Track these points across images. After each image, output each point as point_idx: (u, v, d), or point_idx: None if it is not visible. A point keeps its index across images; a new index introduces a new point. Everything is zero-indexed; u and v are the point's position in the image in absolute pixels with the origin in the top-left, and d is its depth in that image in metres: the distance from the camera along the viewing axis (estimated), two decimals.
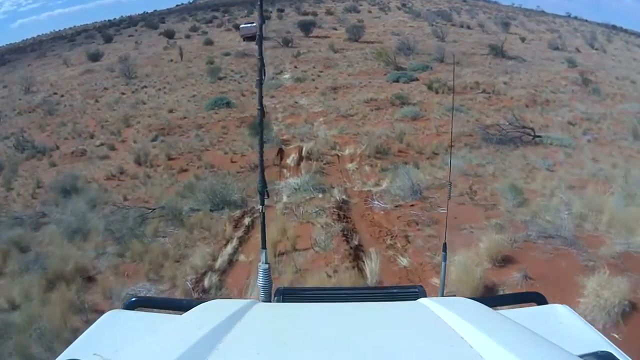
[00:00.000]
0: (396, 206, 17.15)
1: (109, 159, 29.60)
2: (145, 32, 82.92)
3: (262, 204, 4.59)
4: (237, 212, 17.99)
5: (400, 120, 32.07)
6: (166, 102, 43.38)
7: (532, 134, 28.16)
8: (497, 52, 55.80)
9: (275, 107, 38.13)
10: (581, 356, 2.12)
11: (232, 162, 25.99)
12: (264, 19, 4.64)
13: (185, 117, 37.40)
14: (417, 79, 44.99)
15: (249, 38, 65.33)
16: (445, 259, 4.53)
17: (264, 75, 4.49)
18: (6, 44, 79.44)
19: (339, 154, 26.20)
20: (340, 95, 40.96)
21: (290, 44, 64.54)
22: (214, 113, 37.65)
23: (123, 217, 18.25)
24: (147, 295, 11.70)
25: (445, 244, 4.64)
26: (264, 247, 4.42)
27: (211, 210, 18.43)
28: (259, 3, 4.54)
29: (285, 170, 24.10)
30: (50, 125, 40.12)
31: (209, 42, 68.37)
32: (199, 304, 2.87)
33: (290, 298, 3.56)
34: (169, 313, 3.09)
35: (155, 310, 3.24)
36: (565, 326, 2.74)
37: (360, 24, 70.68)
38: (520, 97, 39.51)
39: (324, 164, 24.74)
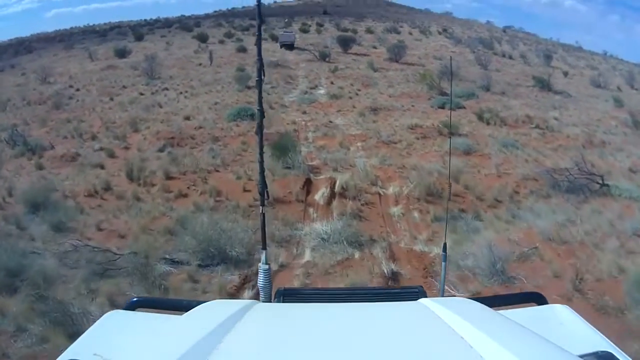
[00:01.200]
0: (473, 295, 10.98)
1: (102, 169, 23.53)
2: (179, 33, 77.00)
3: (263, 204, 4.57)
4: (236, 277, 12.11)
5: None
6: (185, 107, 37.33)
7: (600, 182, 22.65)
8: (544, 85, 50.27)
9: (307, 124, 32.04)
10: (581, 356, 2.08)
11: (244, 190, 19.75)
12: (262, 19, 4.46)
13: (201, 127, 31.24)
14: (463, 107, 38.98)
15: (287, 46, 62.43)
16: (445, 259, 4.36)
17: (264, 75, 4.46)
18: (37, 33, 74.76)
19: (381, 192, 20.08)
20: (380, 117, 34.71)
21: (327, 59, 58.09)
22: (235, 125, 31.43)
23: (76, 263, 12.65)
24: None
25: (445, 244, 4.46)
26: (264, 247, 4.32)
27: (201, 266, 12.63)
28: (257, 3, 4.49)
29: (312, 210, 18.03)
30: (54, 121, 34.29)
31: (243, 50, 61.97)
32: (199, 304, 2.76)
33: (290, 299, 3.45)
34: (170, 313, 2.93)
35: (155, 310, 3.07)
36: (565, 326, 2.72)
37: (401, 44, 64.78)
38: (576, 136, 33.60)
39: (362, 204, 18.69)
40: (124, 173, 22.00)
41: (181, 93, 42.65)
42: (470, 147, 27.26)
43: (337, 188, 19.92)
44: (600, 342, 2.40)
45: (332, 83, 46.77)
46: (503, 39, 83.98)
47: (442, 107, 37.98)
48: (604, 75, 62.82)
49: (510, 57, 69.45)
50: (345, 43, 63.79)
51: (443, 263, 4.39)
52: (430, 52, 64.78)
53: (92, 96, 41.87)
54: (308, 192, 19.94)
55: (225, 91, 42.97)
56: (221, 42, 70.14)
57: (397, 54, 59.24)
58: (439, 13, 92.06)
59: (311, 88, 45.19)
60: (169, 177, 21.63)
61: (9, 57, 61.50)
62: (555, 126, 35.64)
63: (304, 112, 35.21)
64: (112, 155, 25.86)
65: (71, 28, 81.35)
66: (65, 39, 73.87)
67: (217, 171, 22.61)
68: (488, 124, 33.98)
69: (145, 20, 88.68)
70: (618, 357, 2.23)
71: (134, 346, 2.16)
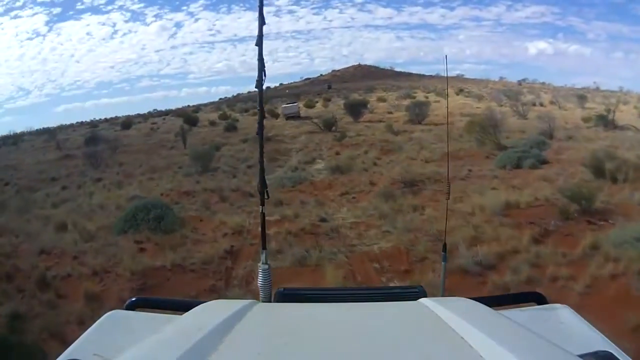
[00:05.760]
0: None
1: None
2: (172, 120, 59.93)
3: (262, 204, 3.62)
4: None
5: None
6: (93, 203, 21.61)
7: None
8: (606, 122, 38.42)
9: (267, 233, 13.25)
10: (581, 356, 1.87)
11: None
12: (264, 19, 3.69)
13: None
14: (546, 162, 22.06)
15: (292, 117, 48.91)
16: (445, 259, 3.86)
17: (264, 76, 3.58)
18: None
19: None
20: (425, 198, 16.47)
21: (333, 128, 39.81)
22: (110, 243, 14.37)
23: None
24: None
25: (445, 244, 3.93)
26: (264, 247, 3.53)
27: None
28: (259, 4, 3.65)
29: None
30: None
31: (232, 128, 45.52)
32: (199, 304, 2.47)
33: (290, 298, 2.96)
34: (169, 313, 2.62)
35: (155, 310, 2.75)
36: (565, 326, 2.45)
37: (422, 102, 47.43)
38: None
39: None
40: None
41: (111, 183, 27.46)
42: None
43: None
44: (600, 342, 2.09)
45: (337, 154, 29.06)
46: (523, 91, 68.64)
47: (518, 166, 21.33)
48: None
49: (541, 105, 55.65)
50: (355, 110, 46.35)
51: (443, 263, 3.75)
52: (454, 111, 47.77)
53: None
54: None
55: (171, 177, 26.84)
56: (212, 123, 53.46)
57: (418, 114, 42.19)
58: (450, 76, 76.06)
59: (306, 162, 27.59)
60: None
61: None
62: None
63: (278, 204, 16.64)
64: None
65: (75, 123, 65.64)
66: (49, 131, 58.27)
67: None
68: (615, 181, 17.01)
69: (150, 112, 72.22)
70: (618, 357, 1.91)
71: (133, 346, 1.84)
